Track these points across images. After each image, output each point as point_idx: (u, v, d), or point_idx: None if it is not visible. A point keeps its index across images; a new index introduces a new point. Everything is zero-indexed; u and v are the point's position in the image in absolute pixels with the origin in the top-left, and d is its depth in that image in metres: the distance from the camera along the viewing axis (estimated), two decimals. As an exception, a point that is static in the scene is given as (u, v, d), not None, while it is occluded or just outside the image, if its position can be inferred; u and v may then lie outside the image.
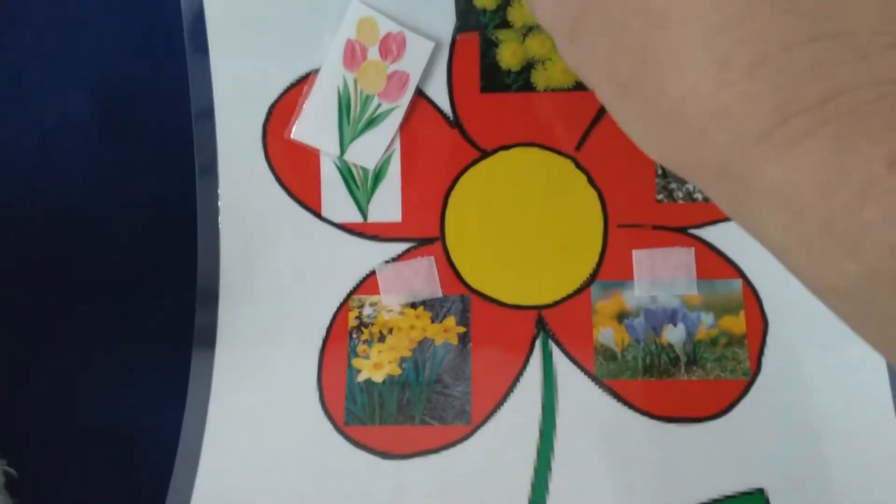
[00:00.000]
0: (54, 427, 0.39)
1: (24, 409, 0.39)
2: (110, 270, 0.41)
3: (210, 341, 0.40)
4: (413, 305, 0.41)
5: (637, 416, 0.39)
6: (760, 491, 0.37)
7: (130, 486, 0.39)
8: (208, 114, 0.41)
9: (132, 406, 0.40)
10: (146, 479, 0.38)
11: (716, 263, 0.40)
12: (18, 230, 0.40)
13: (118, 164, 0.41)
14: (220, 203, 0.41)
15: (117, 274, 0.41)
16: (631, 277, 0.40)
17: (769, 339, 0.39)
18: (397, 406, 0.40)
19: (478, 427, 0.39)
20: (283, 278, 0.41)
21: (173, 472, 0.38)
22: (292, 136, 0.41)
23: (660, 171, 0.41)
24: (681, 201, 0.40)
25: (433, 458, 0.39)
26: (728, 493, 0.37)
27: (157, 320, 0.41)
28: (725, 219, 0.40)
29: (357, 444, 0.39)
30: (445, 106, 0.41)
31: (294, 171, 0.41)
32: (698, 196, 0.40)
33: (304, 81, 0.40)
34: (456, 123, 0.41)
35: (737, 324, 0.40)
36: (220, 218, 0.41)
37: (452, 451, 0.39)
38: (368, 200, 0.41)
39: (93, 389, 0.40)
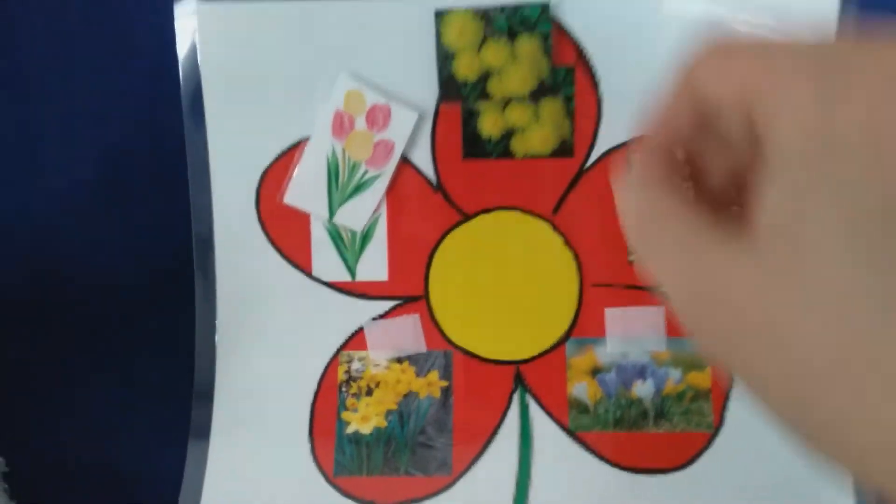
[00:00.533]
0: (62, 464, 0.42)
1: (34, 447, 0.42)
2: (113, 325, 0.44)
3: (208, 395, 0.42)
4: (399, 360, 0.43)
5: (607, 467, 0.42)
6: (719, 539, 0.40)
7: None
8: (205, 178, 0.43)
9: (136, 450, 0.43)
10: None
11: (684, 322, 0.43)
12: (30, 282, 0.43)
13: (122, 222, 0.44)
14: (216, 264, 0.43)
15: (121, 328, 0.44)
16: (604, 334, 0.43)
17: (733, 394, 0.42)
18: (383, 458, 0.42)
19: (458, 477, 0.42)
20: (276, 334, 0.43)
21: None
22: (285, 200, 0.43)
23: (632, 234, 0.43)
24: (652, 263, 0.43)
25: (416, 507, 0.41)
26: (690, 540, 0.40)
27: (160, 374, 0.43)
28: (694, 279, 0.43)
29: (346, 494, 0.42)
30: (429, 172, 0.43)
31: (286, 233, 0.43)
32: (668, 257, 0.43)
33: (295, 149, 0.43)
34: (439, 188, 0.43)
35: (703, 379, 0.42)
36: (216, 277, 0.43)
37: (434, 500, 0.41)
38: (356, 261, 0.43)
39: (100, 433, 0.43)
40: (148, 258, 0.44)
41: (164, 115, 0.43)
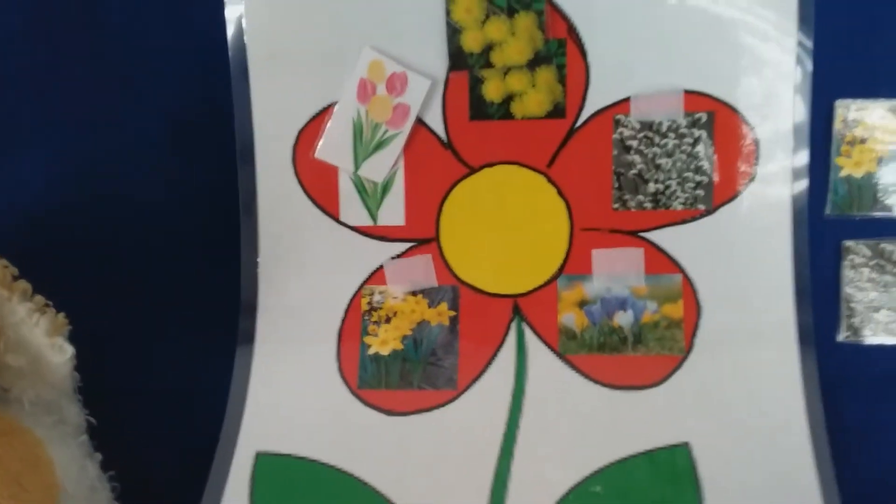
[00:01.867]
0: (128, 388, 0.50)
1: (106, 375, 0.49)
2: (168, 260, 0.51)
3: (250, 327, 0.50)
4: (413, 293, 0.50)
5: (591, 384, 0.48)
6: (686, 444, 0.46)
7: (189, 436, 0.49)
8: (249, 135, 0.50)
9: (190, 373, 0.50)
10: (200, 430, 0.49)
11: (660, 261, 0.49)
12: (102, 231, 0.51)
13: (179, 170, 0.51)
14: (258, 209, 0.50)
15: (175, 263, 0.52)
16: (591, 271, 0.49)
17: (701, 324, 0.48)
18: (400, 374, 0.49)
19: (463, 391, 0.49)
20: (308, 269, 0.51)
21: (223, 425, 0.48)
22: (316, 155, 0.50)
23: (616, 185, 0.49)
24: (633, 210, 0.49)
25: (427, 415, 0.48)
26: (661, 445, 0.46)
27: (210, 301, 0.51)
28: (670, 224, 0.49)
29: (368, 403, 0.49)
30: (440, 131, 0.50)
31: (317, 184, 0.51)
32: (647, 205, 0.49)
33: (325, 112, 0.50)
34: (449, 145, 0.50)
35: (675, 310, 0.49)
36: (259, 219, 0.50)
37: (443, 409, 0.48)
38: (378, 208, 0.50)
39: (158, 361, 0.50)
40: (201, 201, 0.51)
41: (215, 82, 0.50)
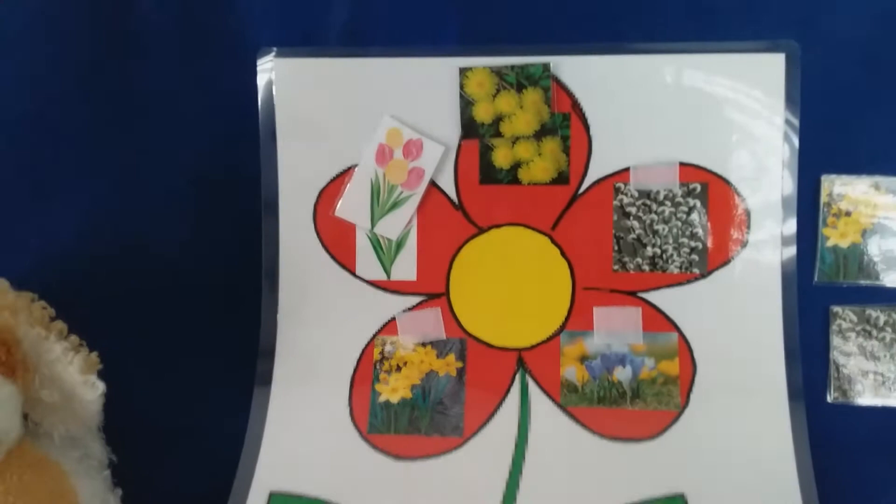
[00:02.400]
0: (148, 426, 0.52)
1: (128, 414, 0.52)
2: (192, 315, 0.55)
3: (268, 371, 0.53)
4: (423, 344, 0.53)
5: (591, 435, 0.50)
6: (682, 495, 0.48)
7: (205, 474, 0.51)
8: (274, 195, 0.54)
9: (208, 414, 0.53)
10: (217, 469, 0.51)
11: (657, 320, 0.52)
12: (129, 277, 0.54)
13: (206, 227, 0.55)
14: (280, 263, 0.54)
15: (197, 317, 0.55)
16: (592, 328, 0.52)
17: (697, 380, 0.51)
18: (408, 421, 0.52)
19: (468, 439, 0.51)
20: (325, 320, 0.54)
21: (239, 464, 0.51)
22: (336, 213, 0.54)
23: (616, 248, 0.53)
24: (632, 272, 0.52)
25: (433, 461, 0.51)
26: (658, 496, 0.48)
27: (230, 347, 0.54)
28: (667, 286, 0.52)
29: (377, 448, 0.51)
30: (452, 194, 0.53)
31: (336, 240, 0.54)
32: (645, 268, 0.52)
33: (346, 173, 0.54)
34: (460, 207, 0.53)
35: (672, 367, 0.51)
36: (280, 273, 0.54)
37: (448, 456, 0.51)
38: (391, 263, 0.54)
39: (179, 402, 0.53)
40: (226, 252, 0.55)
41: (244, 145, 0.54)
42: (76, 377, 0.44)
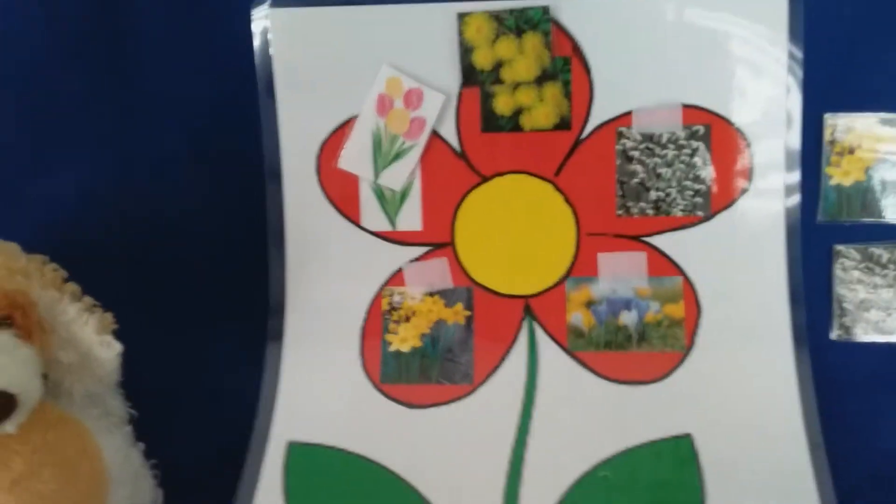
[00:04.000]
0: (168, 384, 0.54)
1: (146, 372, 0.52)
2: (200, 269, 0.55)
3: (280, 326, 0.54)
4: (431, 294, 0.54)
5: (599, 379, 0.51)
6: (688, 435, 0.49)
7: (224, 427, 0.53)
8: (276, 148, 0.54)
9: (224, 371, 0.54)
10: (235, 422, 0.52)
11: (662, 264, 0.52)
12: (140, 239, 0.55)
13: (208, 183, 0.55)
14: (285, 217, 0.54)
15: (205, 271, 0.55)
16: (597, 274, 0.53)
17: (701, 323, 0.52)
18: (419, 370, 0.53)
19: (478, 386, 0.52)
20: (332, 272, 0.54)
21: (256, 417, 0.52)
22: (339, 165, 0.54)
23: (620, 193, 0.53)
24: (636, 216, 0.52)
25: (444, 408, 0.52)
26: (665, 436, 0.49)
27: (245, 306, 0.54)
28: (671, 229, 0.52)
29: (390, 396, 0.52)
30: (454, 142, 0.53)
31: (340, 192, 0.54)
32: (649, 212, 0.52)
33: (347, 125, 0.53)
34: (462, 156, 0.53)
35: (677, 310, 0.52)
36: (285, 227, 0.54)
37: (459, 403, 0.52)
38: (396, 214, 0.54)
39: (195, 361, 0.54)
40: (231, 210, 0.55)
41: (243, 99, 0.54)
42: (92, 337, 0.45)
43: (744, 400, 0.50)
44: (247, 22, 0.53)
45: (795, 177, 0.51)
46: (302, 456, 0.50)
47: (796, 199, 0.51)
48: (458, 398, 0.52)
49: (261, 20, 0.53)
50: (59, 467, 0.45)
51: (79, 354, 0.46)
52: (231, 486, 0.50)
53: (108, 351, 0.45)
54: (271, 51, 0.53)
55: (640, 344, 0.52)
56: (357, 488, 0.49)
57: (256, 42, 0.53)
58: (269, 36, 0.53)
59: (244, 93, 0.54)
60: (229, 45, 0.53)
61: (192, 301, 0.55)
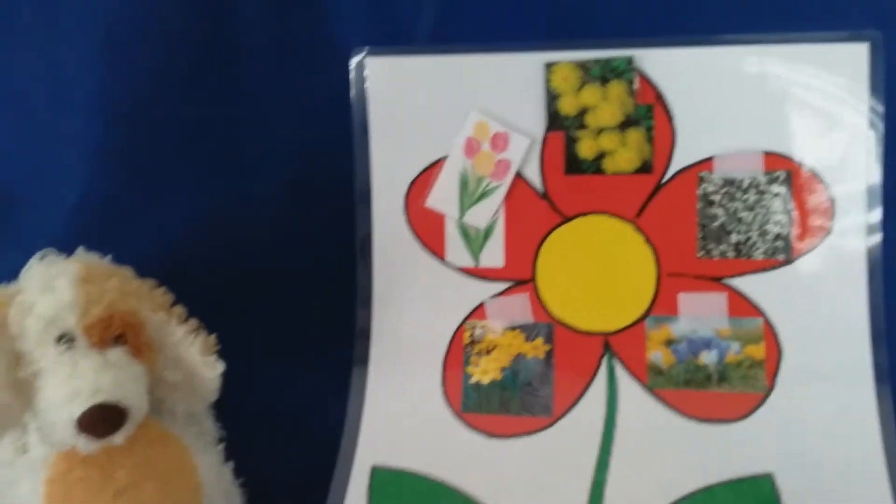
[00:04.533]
0: (257, 407, 0.56)
1: (237, 394, 0.55)
2: (292, 300, 0.58)
3: (365, 352, 0.56)
4: (511, 328, 0.55)
5: (678, 416, 0.52)
6: (769, 475, 0.49)
7: (310, 449, 0.55)
8: (367, 186, 0.57)
9: (310, 394, 0.56)
10: (319, 445, 0.54)
11: (743, 305, 0.53)
12: (236, 266, 0.58)
13: (303, 220, 0.58)
14: (373, 253, 0.57)
15: (296, 303, 0.58)
16: (677, 313, 0.54)
17: (783, 364, 0.52)
18: (499, 401, 0.54)
19: (558, 419, 0.53)
20: (416, 306, 0.56)
21: (342, 440, 0.54)
22: (427, 203, 0.56)
23: (700, 235, 0.54)
24: (716, 258, 0.54)
25: (524, 439, 0.53)
26: (745, 475, 0.49)
27: (329, 340, 0.57)
28: (752, 272, 0.53)
29: (471, 426, 0.54)
30: (538, 184, 0.55)
31: (426, 229, 0.57)
32: (730, 254, 0.53)
33: (436, 165, 0.56)
34: (545, 196, 0.55)
35: (758, 351, 0.52)
36: (373, 262, 0.56)
37: (539, 435, 0.53)
38: (480, 251, 0.56)
39: (282, 383, 0.56)
40: (323, 241, 0.58)
41: (338, 141, 0.57)
42: (197, 357, 0.48)
43: (825, 440, 0.50)
44: (345, 66, 0.57)
45: (877, 223, 0.52)
46: (386, 480, 0.52)
47: (878, 243, 0.52)
48: (538, 430, 0.53)
49: (358, 67, 0.56)
50: (159, 481, 0.47)
51: (183, 374, 0.48)
52: (316, 507, 0.52)
53: (211, 371, 0.48)
54: (367, 95, 0.56)
55: (721, 384, 0.52)
56: (440, 514, 0.50)
57: (353, 87, 0.56)
58: (366, 80, 0.56)
59: (340, 132, 0.57)
60: (329, 86, 0.57)
61: (283, 325, 0.58)
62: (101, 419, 0.43)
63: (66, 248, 0.49)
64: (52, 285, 0.45)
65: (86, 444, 0.44)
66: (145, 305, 0.48)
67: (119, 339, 0.46)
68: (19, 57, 0.57)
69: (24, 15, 0.57)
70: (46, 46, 0.57)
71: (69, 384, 0.43)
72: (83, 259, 0.48)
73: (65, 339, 0.45)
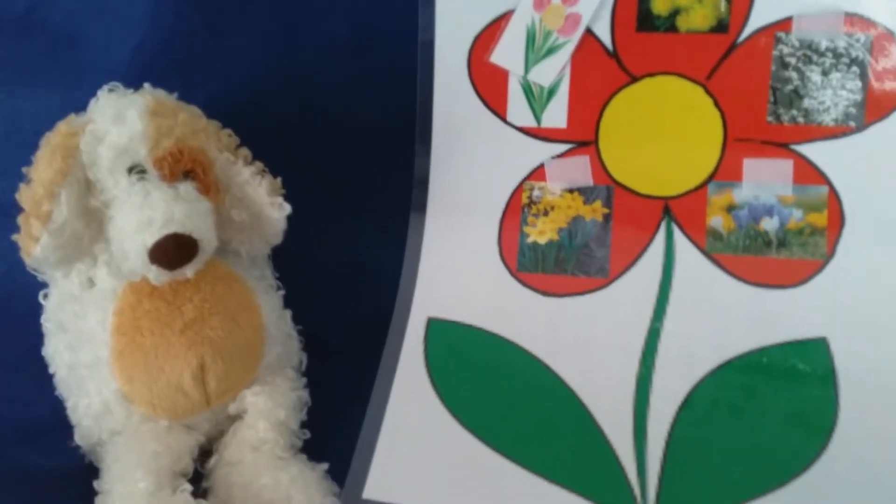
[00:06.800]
0: (315, 258, 0.56)
1: (295, 246, 0.55)
2: (352, 150, 0.57)
3: (423, 198, 0.56)
4: (570, 190, 0.55)
5: (735, 281, 0.52)
6: (823, 339, 0.50)
7: (365, 303, 0.56)
8: (430, 37, 0.55)
9: (367, 243, 0.56)
10: (377, 295, 0.55)
11: (808, 173, 0.52)
12: (295, 115, 0.57)
13: (366, 74, 0.57)
14: (433, 107, 0.56)
15: (356, 149, 0.57)
16: (741, 179, 0.53)
17: (844, 233, 0.51)
18: (555, 261, 0.54)
19: (613, 280, 0.53)
20: (475, 164, 0.56)
21: (398, 292, 0.55)
22: (491, 59, 0.55)
23: (772, 99, 0.52)
24: (786, 123, 0.52)
25: (579, 298, 0.53)
26: (799, 339, 0.50)
27: (386, 193, 0.57)
28: (821, 138, 0.52)
29: (525, 284, 0.54)
30: (607, 41, 0.54)
31: (489, 86, 0.55)
32: (800, 120, 0.52)
33: (502, 18, 0.54)
34: (614, 55, 0.54)
35: (820, 219, 0.52)
36: (433, 116, 0.56)
37: (594, 295, 0.53)
38: (542, 110, 0.55)
39: (340, 233, 0.57)
40: (384, 94, 0.57)
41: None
42: (264, 198, 0.48)
43: (881, 309, 0.50)
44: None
45: (959, 91, 0.50)
46: (442, 331, 0.53)
47: (957, 113, 0.50)
48: (593, 290, 0.54)
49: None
50: (225, 317, 0.48)
51: (250, 214, 0.49)
52: (369, 356, 0.53)
53: (278, 211, 0.48)
54: (432, -59, 0.54)
55: (780, 250, 0.52)
56: (495, 365, 0.52)
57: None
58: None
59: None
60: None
61: (344, 175, 0.57)
62: (174, 248, 0.43)
63: (131, 86, 0.48)
64: (123, 115, 0.45)
65: (157, 275, 0.45)
66: (213, 144, 0.48)
67: (188, 175, 0.46)
68: None
69: None
70: None
71: (142, 213, 0.43)
72: (152, 93, 0.48)
73: (136, 169, 0.45)
